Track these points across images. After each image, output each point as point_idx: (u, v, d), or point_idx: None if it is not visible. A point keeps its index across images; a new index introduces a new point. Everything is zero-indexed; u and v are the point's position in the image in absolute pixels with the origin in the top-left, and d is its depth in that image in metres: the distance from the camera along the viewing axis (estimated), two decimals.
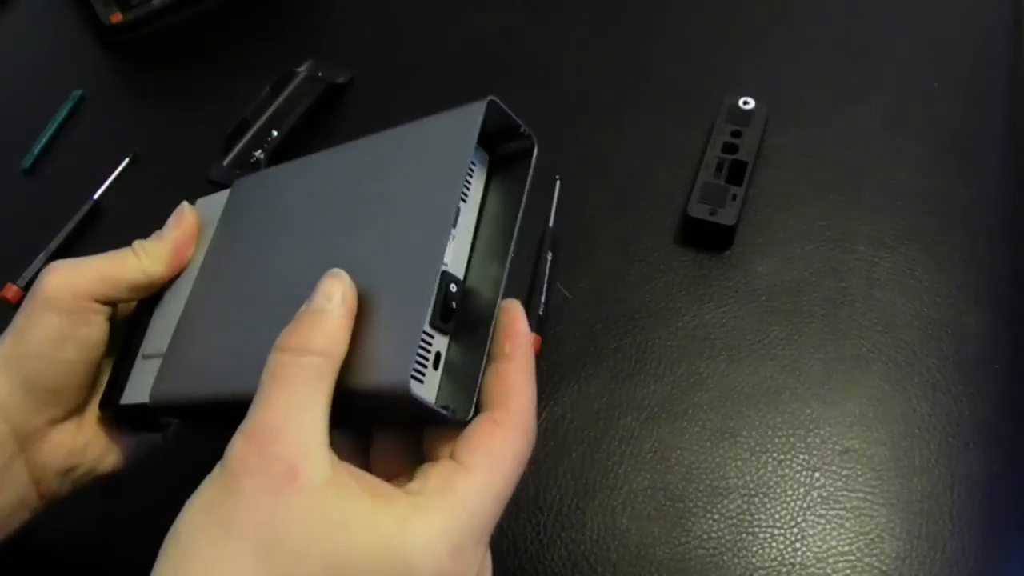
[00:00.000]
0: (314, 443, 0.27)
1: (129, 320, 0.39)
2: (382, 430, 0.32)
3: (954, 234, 0.48)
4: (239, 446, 0.27)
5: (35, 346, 0.35)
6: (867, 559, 0.39)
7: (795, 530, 0.40)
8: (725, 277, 0.48)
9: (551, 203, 0.51)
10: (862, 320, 0.46)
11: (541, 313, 0.48)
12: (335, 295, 0.29)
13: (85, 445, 0.38)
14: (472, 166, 0.31)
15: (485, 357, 0.30)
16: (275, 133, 0.59)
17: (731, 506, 0.41)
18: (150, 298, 0.39)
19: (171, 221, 0.39)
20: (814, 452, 0.42)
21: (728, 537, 0.41)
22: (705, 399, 0.44)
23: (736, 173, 0.50)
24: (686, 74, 0.57)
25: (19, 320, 0.36)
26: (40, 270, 0.54)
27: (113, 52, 0.70)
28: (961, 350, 0.44)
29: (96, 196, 0.60)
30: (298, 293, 0.30)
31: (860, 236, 0.48)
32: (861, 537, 0.40)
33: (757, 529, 0.41)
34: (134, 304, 0.39)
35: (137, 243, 0.38)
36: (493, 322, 0.30)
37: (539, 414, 0.34)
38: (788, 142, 0.52)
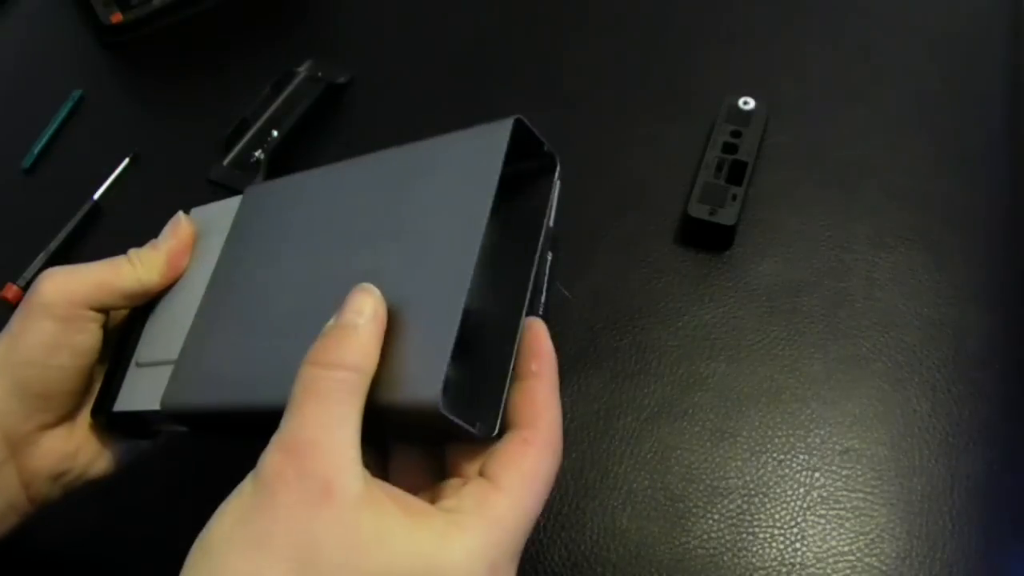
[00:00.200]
0: (348, 459, 0.27)
1: (121, 328, 0.39)
2: (401, 444, 0.32)
3: (954, 234, 0.48)
4: (275, 459, 0.27)
5: (29, 352, 0.35)
6: (867, 559, 0.39)
7: (795, 530, 0.40)
8: (725, 277, 0.48)
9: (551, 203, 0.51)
10: (862, 320, 0.46)
11: (541, 313, 0.48)
12: (366, 310, 0.29)
13: (76, 450, 0.38)
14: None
15: (510, 374, 0.30)
16: (275, 133, 0.59)
17: (731, 506, 0.41)
18: (143, 306, 0.39)
19: (166, 230, 0.39)
20: (814, 452, 0.42)
21: (728, 537, 0.41)
22: (705, 399, 0.44)
23: (736, 173, 0.49)
24: (686, 74, 0.57)
25: (13, 325, 0.36)
26: (40, 270, 0.54)
27: (113, 52, 0.70)
28: (961, 350, 0.44)
29: (96, 196, 0.60)
30: (319, 305, 0.30)
31: (860, 236, 0.48)
32: (861, 537, 0.40)
33: (757, 529, 0.41)
34: (126, 312, 0.39)
35: (132, 251, 0.38)
36: (517, 339, 0.30)
37: None
38: (788, 142, 0.52)
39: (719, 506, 0.41)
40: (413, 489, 0.29)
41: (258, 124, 0.60)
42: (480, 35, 0.63)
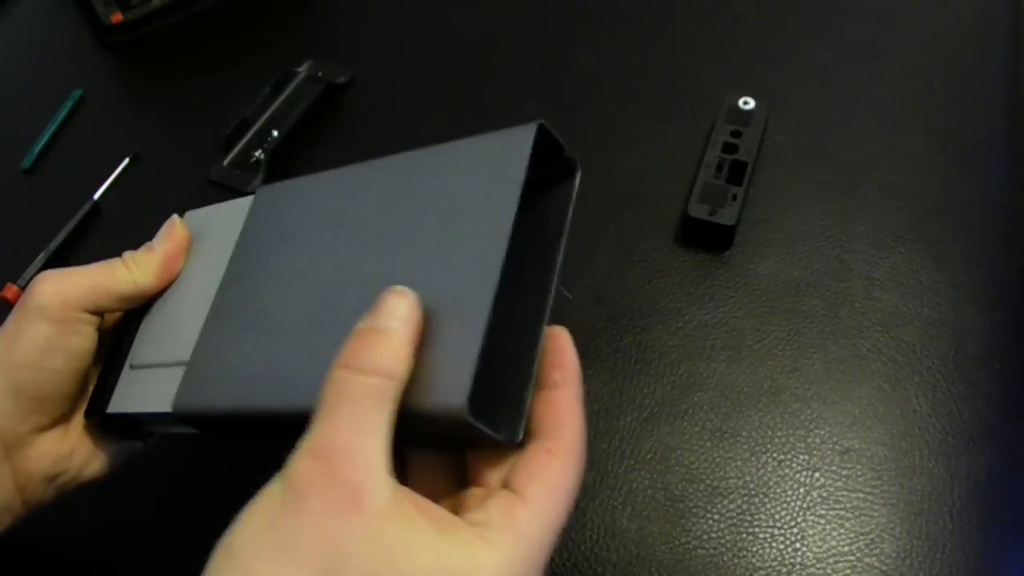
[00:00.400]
0: (378, 467, 0.26)
1: (115, 330, 0.39)
2: (421, 450, 0.32)
3: (954, 234, 0.48)
4: (305, 464, 0.26)
5: (24, 354, 0.35)
6: (867, 559, 0.39)
7: (795, 530, 0.40)
8: (725, 277, 0.48)
9: None
10: (862, 320, 0.46)
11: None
12: (400, 312, 0.28)
13: (70, 452, 0.38)
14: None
15: (533, 382, 0.29)
16: (275, 133, 0.59)
17: (731, 506, 0.41)
18: (137, 309, 0.39)
19: (161, 233, 0.39)
20: (814, 452, 0.42)
21: (728, 537, 0.41)
22: (705, 399, 0.44)
23: (736, 173, 0.50)
24: (686, 74, 0.57)
25: (8, 327, 0.36)
26: (40, 270, 0.54)
27: (113, 52, 0.70)
28: (961, 350, 0.44)
29: (96, 196, 0.60)
30: (343, 307, 0.29)
31: (860, 236, 0.48)
32: (861, 537, 0.40)
33: (757, 529, 0.41)
34: (120, 315, 0.39)
35: (127, 254, 0.38)
36: (539, 347, 0.30)
37: None
38: (788, 142, 0.52)
39: (719, 506, 0.41)
40: (433, 496, 0.29)
41: (258, 124, 0.60)
42: (480, 35, 0.63)
